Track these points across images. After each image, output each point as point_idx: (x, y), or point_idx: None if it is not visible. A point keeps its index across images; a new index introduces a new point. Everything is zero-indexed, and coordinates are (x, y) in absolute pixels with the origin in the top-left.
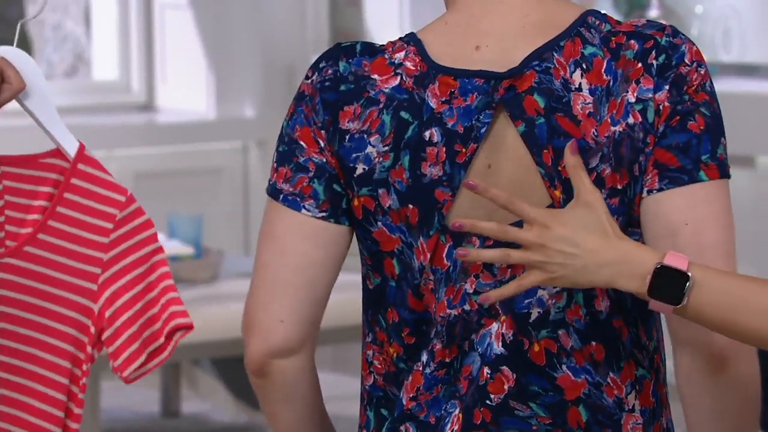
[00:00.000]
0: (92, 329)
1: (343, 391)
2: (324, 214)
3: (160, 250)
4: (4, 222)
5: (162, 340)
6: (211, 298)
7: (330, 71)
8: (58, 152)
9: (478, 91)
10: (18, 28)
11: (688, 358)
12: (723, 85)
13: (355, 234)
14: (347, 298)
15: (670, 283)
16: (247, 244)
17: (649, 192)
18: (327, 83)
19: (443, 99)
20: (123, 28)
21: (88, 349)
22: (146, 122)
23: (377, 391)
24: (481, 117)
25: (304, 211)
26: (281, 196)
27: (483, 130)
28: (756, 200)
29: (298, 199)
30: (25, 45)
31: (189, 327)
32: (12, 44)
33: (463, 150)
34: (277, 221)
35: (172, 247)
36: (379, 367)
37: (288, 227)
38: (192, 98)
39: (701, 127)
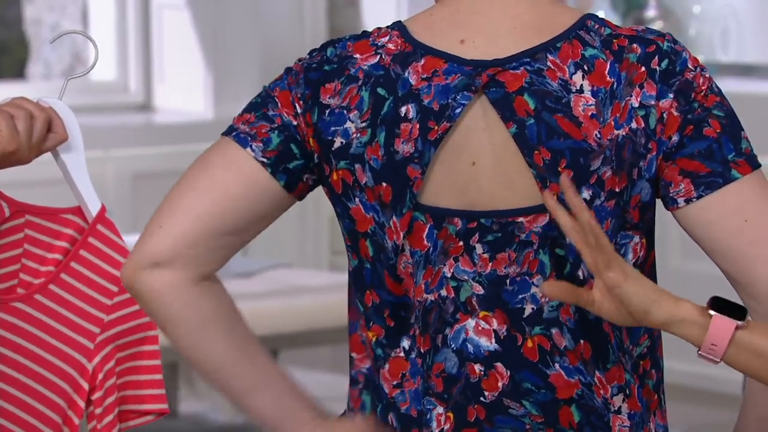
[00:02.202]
0: (85, 386)
1: (342, 391)
2: (264, 160)
3: (154, 325)
4: (19, 270)
5: (136, 413)
6: None
7: (318, 56)
8: (79, 210)
9: (462, 73)
10: (65, 83)
11: None
12: (721, 86)
13: (335, 212)
14: (346, 298)
15: (728, 307)
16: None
17: (688, 201)
18: (314, 65)
19: (424, 76)
20: (120, 28)
21: (80, 404)
22: (144, 122)
23: (371, 373)
24: (457, 97)
25: (248, 149)
26: (234, 133)
27: (458, 111)
28: None
29: (249, 138)
30: (23, 45)
31: (164, 413)
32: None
33: (436, 127)
34: (217, 151)
35: None
36: None
37: (225, 158)
38: (190, 98)
39: (717, 131)
